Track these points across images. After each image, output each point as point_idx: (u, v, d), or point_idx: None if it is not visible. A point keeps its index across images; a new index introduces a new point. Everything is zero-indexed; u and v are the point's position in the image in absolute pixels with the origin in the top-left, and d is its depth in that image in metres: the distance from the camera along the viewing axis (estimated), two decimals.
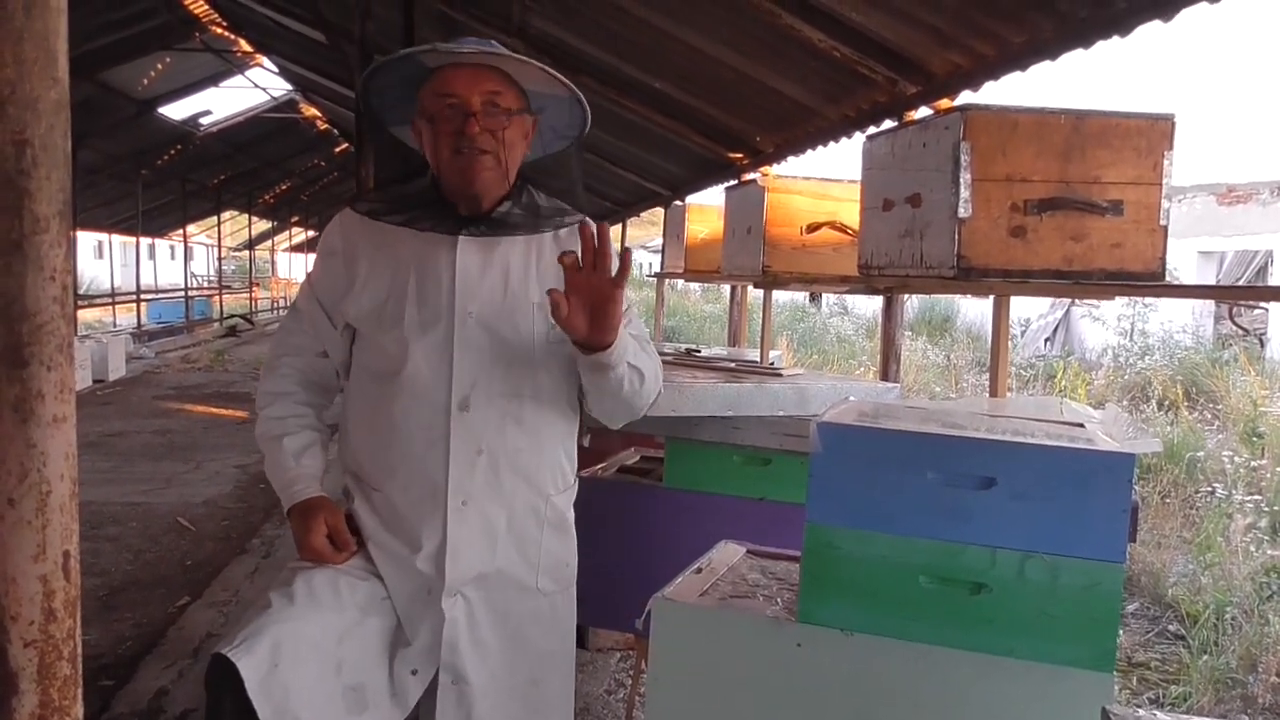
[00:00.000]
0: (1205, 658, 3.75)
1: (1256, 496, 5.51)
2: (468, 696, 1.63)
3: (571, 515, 1.77)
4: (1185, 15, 1.72)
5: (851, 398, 1.76)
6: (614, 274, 1.46)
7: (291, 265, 38.22)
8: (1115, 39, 1.86)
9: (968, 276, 1.91)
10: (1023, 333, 15.35)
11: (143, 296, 17.77)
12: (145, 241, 19.58)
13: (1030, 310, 15.70)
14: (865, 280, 2.53)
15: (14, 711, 0.79)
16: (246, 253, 29.62)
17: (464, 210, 1.62)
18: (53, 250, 0.78)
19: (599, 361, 1.54)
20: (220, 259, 25.67)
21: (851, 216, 2.96)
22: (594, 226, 1.47)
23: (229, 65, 13.20)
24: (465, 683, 1.63)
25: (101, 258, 25.62)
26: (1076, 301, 14.16)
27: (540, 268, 1.67)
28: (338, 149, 18.85)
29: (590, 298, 1.47)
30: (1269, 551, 4.71)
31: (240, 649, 1.44)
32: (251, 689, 1.42)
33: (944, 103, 2.45)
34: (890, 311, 3.37)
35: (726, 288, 6.43)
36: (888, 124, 2.72)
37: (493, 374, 1.61)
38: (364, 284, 1.64)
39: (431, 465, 1.60)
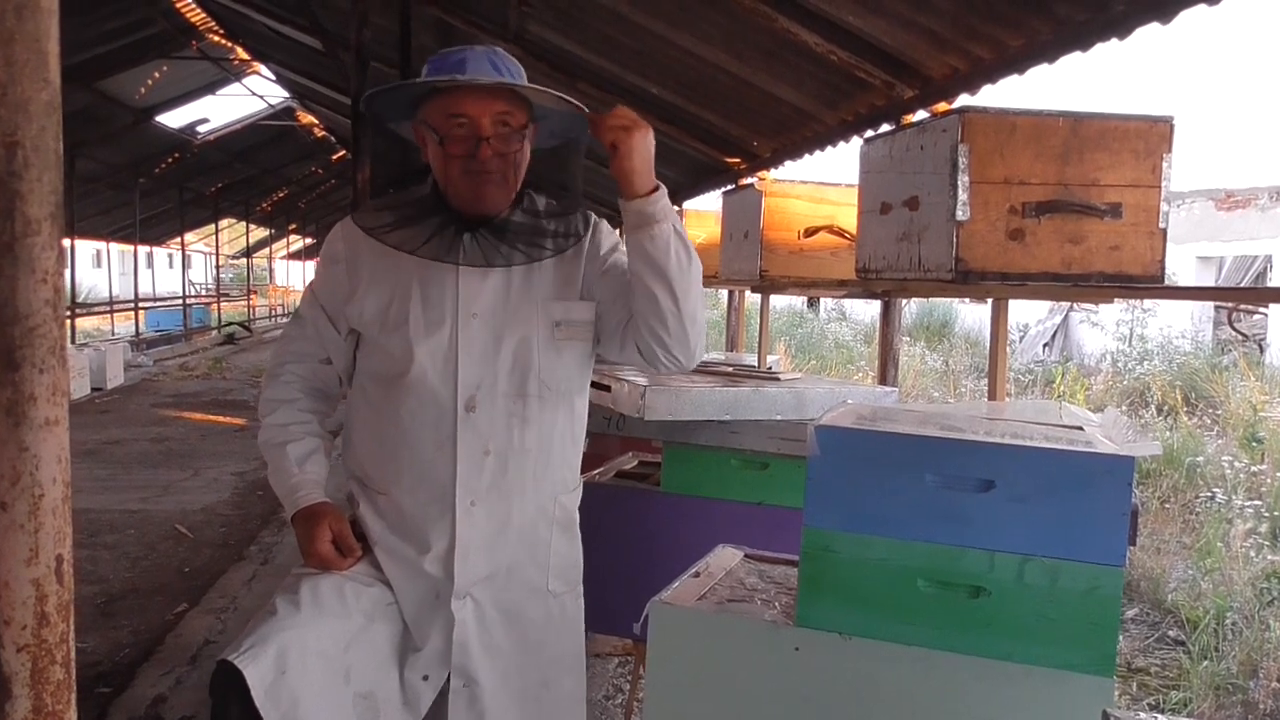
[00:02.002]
0: (1205, 663, 3.74)
1: (1256, 501, 5.50)
2: (479, 699, 1.63)
3: (578, 516, 1.77)
4: (1184, 17, 1.72)
5: (849, 401, 1.76)
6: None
7: (289, 273, 38.22)
8: (1114, 41, 1.86)
9: (966, 279, 1.91)
10: (1021, 338, 15.36)
11: (141, 305, 17.76)
12: (143, 250, 19.57)
13: (1028, 315, 15.71)
14: (863, 284, 2.53)
15: (7, 716, 0.78)
16: (244, 260, 29.64)
17: (469, 216, 1.62)
18: (44, 253, 0.77)
19: (642, 211, 1.51)
20: (218, 267, 25.61)
21: (849, 220, 2.96)
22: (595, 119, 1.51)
23: (226, 73, 13.22)
24: (477, 685, 1.62)
25: (100, 266, 25.61)
26: (1075, 307, 14.17)
27: (541, 265, 1.67)
28: (335, 156, 18.86)
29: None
30: (1269, 557, 4.71)
31: (246, 656, 1.43)
32: (258, 697, 1.41)
33: (941, 106, 2.45)
34: (888, 316, 3.37)
35: (724, 292, 6.43)
36: (885, 128, 2.72)
37: (498, 374, 1.61)
38: (367, 288, 1.64)
39: (439, 467, 1.60)
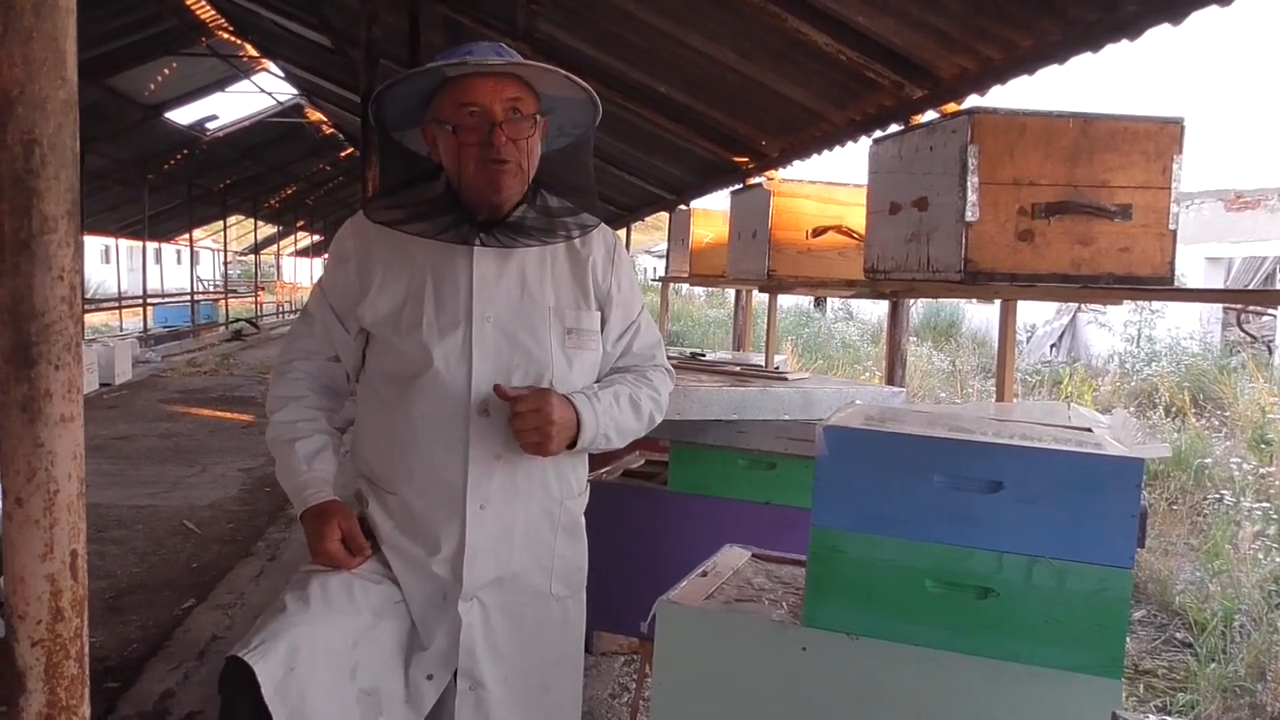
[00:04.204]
0: (1213, 666, 3.73)
1: (1265, 504, 5.48)
2: (485, 702, 1.63)
3: (583, 521, 1.77)
4: (1195, 19, 1.71)
5: (857, 401, 1.76)
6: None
7: (297, 269, 38.29)
8: (1124, 43, 1.85)
9: (975, 280, 1.91)
10: (1028, 339, 15.31)
11: (149, 300, 17.83)
12: (152, 246, 19.64)
13: (1036, 316, 15.66)
14: (871, 284, 2.52)
15: (22, 710, 0.79)
16: (252, 257, 29.70)
17: (482, 216, 1.62)
18: (61, 250, 0.78)
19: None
20: (226, 263, 25.68)
21: (857, 220, 2.96)
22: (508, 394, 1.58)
23: (235, 70, 13.25)
24: (483, 688, 1.63)
25: (108, 262, 25.71)
26: (1083, 307, 14.13)
27: (555, 271, 1.67)
28: (343, 153, 18.89)
29: None
30: (1277, 559, 4.69)
31: (256, 652, 1.43)
32: (268, 692, 1.42)
33: (951, 106, 2.44)
34: (896, 316, 3.37)
35: (731, 292, 6.43)
36: (894, 128, 2.72)
37: (510, 378, 1.61)
38: (380, 289, 1.64)
39: (450, 470, 1.60)
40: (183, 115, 14.18)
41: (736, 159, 4.41)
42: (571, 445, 1.61)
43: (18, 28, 0.74)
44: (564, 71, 1.59)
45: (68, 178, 0.77)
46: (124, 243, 20.83)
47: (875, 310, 17.08)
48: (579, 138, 1.70)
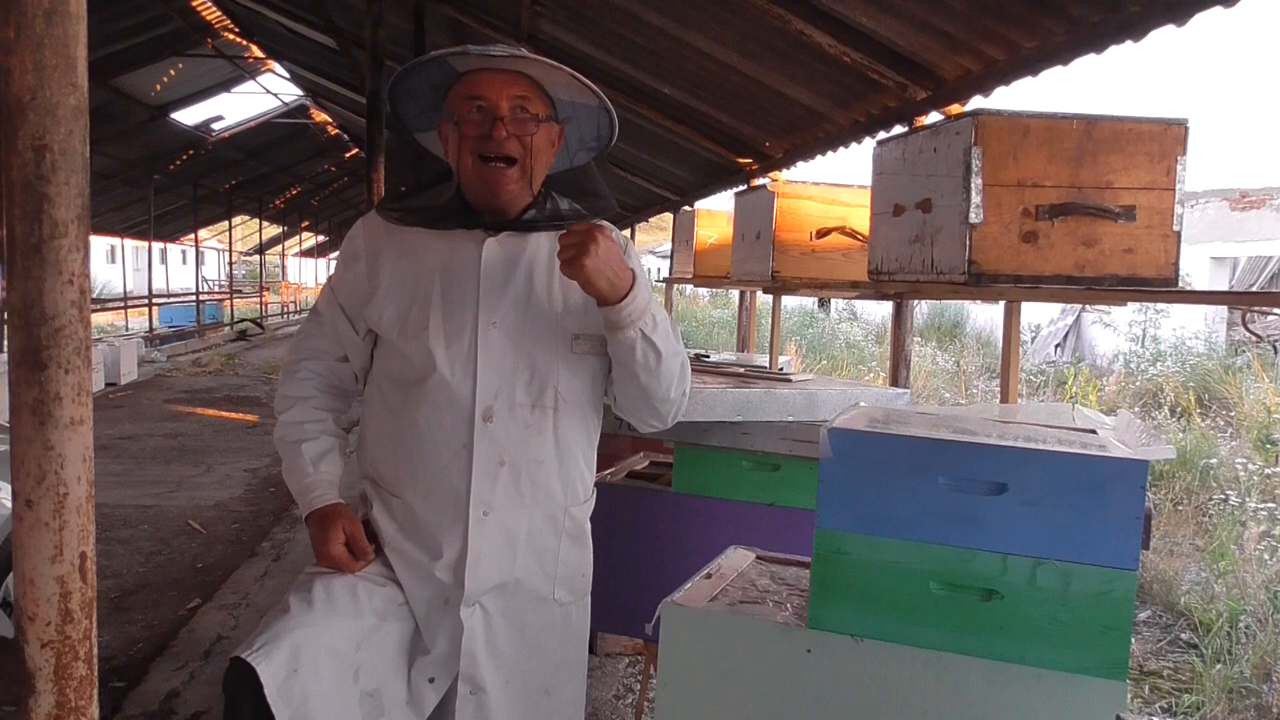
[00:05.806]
0: (1218, 667, 3.73)
1: (1270, 504, 5.48)
2: (485, 706, 1.64)
3: (589, 526, 1.76)
4: (1199, 19, 1.71)
5: (861, 403, 1.76)
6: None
7: (302, 270, 38.38)
8: (1128, 44, 1.85)
9: (979, 282, 1.91)
10: (1033, 339, 15.30)
11: (154, 301, 17.86)
12: (157, 246, 19.68)
13: (1041, 316, 15.65)
14: (875, 286, 2.52)
15: (31, 711, 0.79)
16: (257, 257, 29.76)
17: (489, 219, 1.63)
18: (71, 255, 0.78)
19: (609, 318, 1.54)
20: (231, 264, 25.70)
21: (861, 222, 2.96)
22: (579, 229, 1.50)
23: (240, 71, 13.28)
24: (483, 692, 1.63)
25: (114, 262, 25.78)
26: (1087, 308, 14.10)
27: (562, 280, 1.65)
28: (348, 154, 18.92)
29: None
30: None
31: (259, 653, 1.44)
32: (270, 694, 1.42)
33: (955, 108, 2.44)
34: (900, 317, 3.37)
35: (735, 293, 6.43)
36: (898, 129, 2.72)
37: (515, 384, 1.61)
38: (387, 290, 1.64)
39: (454, 475, 1.60)
40: (188, 116, 14.23)
41: (740, 160, 4.41)
42: (619, 300, 1.51)
43: (29, 34, 0.74)
44: (570, 70, 1.59)
45: (78, 183, 0.78)
46: (129, 243, 20.89)
47: (879, 310, 17.07)
48: (602, 151, 1.70)
